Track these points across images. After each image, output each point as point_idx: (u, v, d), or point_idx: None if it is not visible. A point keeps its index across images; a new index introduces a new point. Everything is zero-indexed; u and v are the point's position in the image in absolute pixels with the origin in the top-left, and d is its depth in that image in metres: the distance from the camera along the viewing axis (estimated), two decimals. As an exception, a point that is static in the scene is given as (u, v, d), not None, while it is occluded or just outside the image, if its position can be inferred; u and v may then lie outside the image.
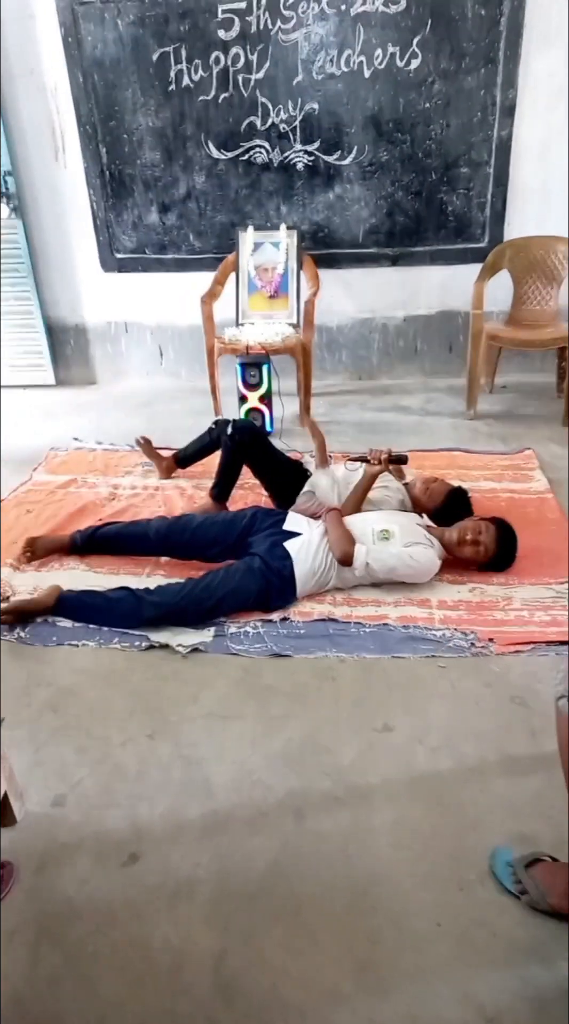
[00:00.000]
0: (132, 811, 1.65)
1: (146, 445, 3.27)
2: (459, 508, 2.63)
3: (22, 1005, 1.28)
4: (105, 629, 2.25)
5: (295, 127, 3.87)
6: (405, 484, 2.80)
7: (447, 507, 2.64)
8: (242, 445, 2.76)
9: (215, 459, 2.99)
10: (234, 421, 2.87)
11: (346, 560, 2.31)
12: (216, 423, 3.05)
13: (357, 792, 1.67)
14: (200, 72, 3.79)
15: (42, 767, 1.78)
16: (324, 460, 2.84)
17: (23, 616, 2.27)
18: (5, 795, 1.57)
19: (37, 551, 2.61)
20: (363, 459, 2.65)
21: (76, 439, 3.74)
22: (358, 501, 2.58)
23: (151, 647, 2.18)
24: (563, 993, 1.26)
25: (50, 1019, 1.26)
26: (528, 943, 1.34)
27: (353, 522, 2.45)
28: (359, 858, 1.52)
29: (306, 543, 2.37)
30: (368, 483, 2.58)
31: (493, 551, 2.41)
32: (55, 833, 1.60)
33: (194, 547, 2.51)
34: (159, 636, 2.20)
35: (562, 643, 2.13)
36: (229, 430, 2.78)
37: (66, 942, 1.38)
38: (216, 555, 2.46)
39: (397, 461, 2.65)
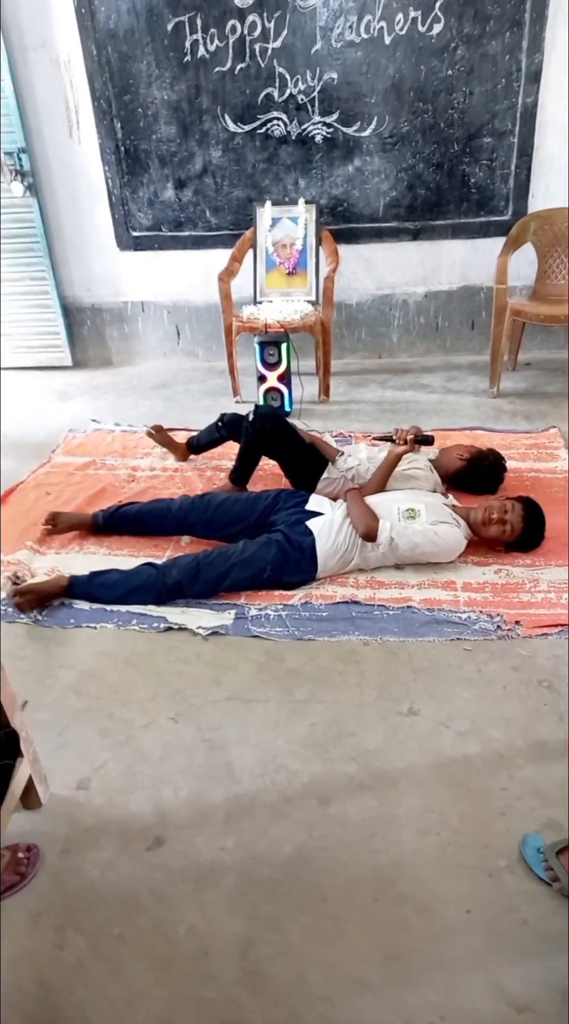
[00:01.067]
0: (156, 794, 1.64)
1: (159, 434, 3.18)
2: (493, 471, 2.69)
3: (48, 988, 1.28)
4: (123, 610, 2.23)
5: (313, 98, 3.77)
6: (430, 460, 2.75)
7: (479, 469, 2.69)
8: (263, 433, 2.69)
9: (232, 443, 2.96)
10: (257, 407, 2.79)
11: (370, 535, 2.28)
12: (224, 417, 2.97)
13: (383, 778, 1.65)
14: (216, 42, 3.69)
15: (66, 750, 1.77)
16: (332, 452, 2.77)
17: (39, 599, 2.26)
18: (30, 778, 1.57)
19: (59, 525, 2.60)
20: (388, 438, 2.61)
21: (94, 420, 3.71)
22: (382, 481, 2.54)
23: (169, 629, 2.16)
24: (596, 984, 1.23)
25: (76, 1003, 1.25)
26: (559, 932, 1.32)
27: (379, 501, 2.41)
28: (386, 845, 1.50)
29: (328, 522, 2.35)
30: (393, 463, 2.54)
31: (520, 530, 2.36)
32: (79, 816, 1.60)
33: (216, 525, 2.49)
34: (178, 618, 2.19)
35: (591, 626, 2.08)
36: (251, 417, 2.69)
37: (91, 926, 1.37)
38: (238, 533, 2.43)
39: (423, 442, 2.60)
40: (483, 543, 2.44)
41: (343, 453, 2.75)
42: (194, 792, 1.64)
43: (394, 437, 2.57)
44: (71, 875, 1.48)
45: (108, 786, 1.67)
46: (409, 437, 2.54)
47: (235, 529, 2.46)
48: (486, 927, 1.33)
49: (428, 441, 2.62)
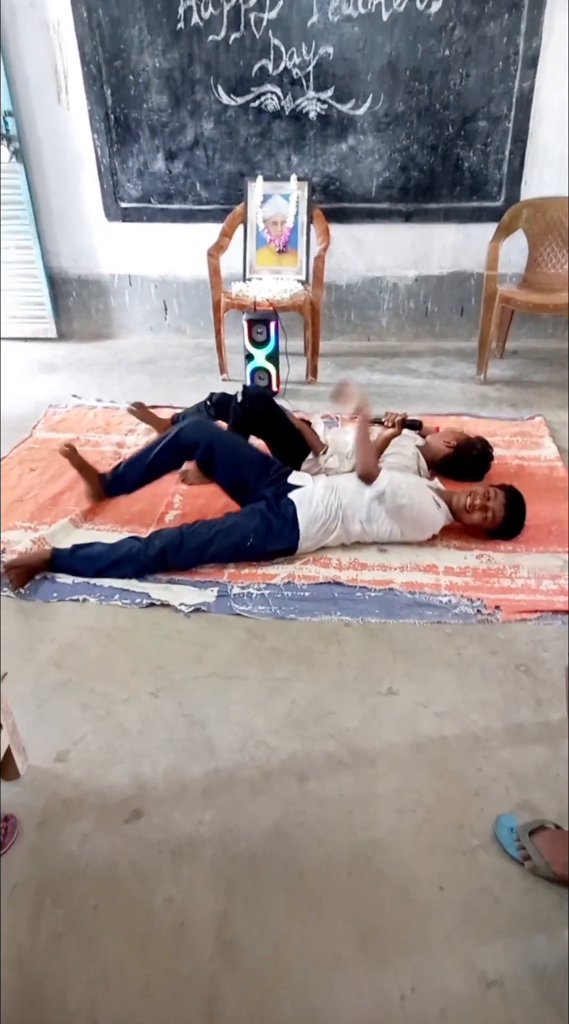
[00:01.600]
0: (135, 768, 1.64)
1: (140, 410, 3.14)
2: (480, 459, 2.72)
3: (24, 961, 1.28)
4: (106, 585, 2.22)
5: (308, 72, 3.71)
6: (418, 447, 2.76)
7: (466, 457, 2.72)
8: (252, 414, 2.67)
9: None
10: (245, 388, 2.78)
11: (369, 475, 2.31)
12: (212, 397, 2.93)
13: (361, 756, 1.66)
14: (210, 9, 3.62)
15: (45, 722, 1.76)
16: (317, 446, 2.74)
17: (25, 574, 2.24)
18: (8, 749, 1.56)
19: (73, 459, 2.59)
20: (378, 421, 2.61)
21: (75, 396, 3.66)
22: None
23: (152, 605, 2.15)
24: (564, 961, 1.26)
25: (52, 976, 1.25)
26: (531, 911, 1.34)
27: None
28: (362, 823, 1.51)
29: (309, 492, 2.38)
30: (382, 446, 2.54)
31: (501, 517, 2.38)
32: (57, 788, 1.60)
33: (235, 467, 2.49)
34: (160, 594, 2.18)
35: (570, 612, 2.11)
36: (239, 398, 2.68)
37: (68, 898, 1.38)
38: (245, 483, 2.45)
39: (411, 427, 2.61)
40: (465, 529, 2.45)
41: (327, 448, 2.72)
42: (173, 766, 1.64)
43: (384, 420, 2.57)
44: (49, 847, 1.47)
45: (87, 759, 1.67)
46: (398, 420, 2.54)
47: (247, 476, 2.46)
48: (459, 905, 1.35)
49: (416, 425, 2.63)
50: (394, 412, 2.61)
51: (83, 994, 1.22)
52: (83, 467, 2.62)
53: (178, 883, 1.40)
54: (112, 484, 2.59)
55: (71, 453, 2.60)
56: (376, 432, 2.62)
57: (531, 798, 1.56)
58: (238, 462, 2.47)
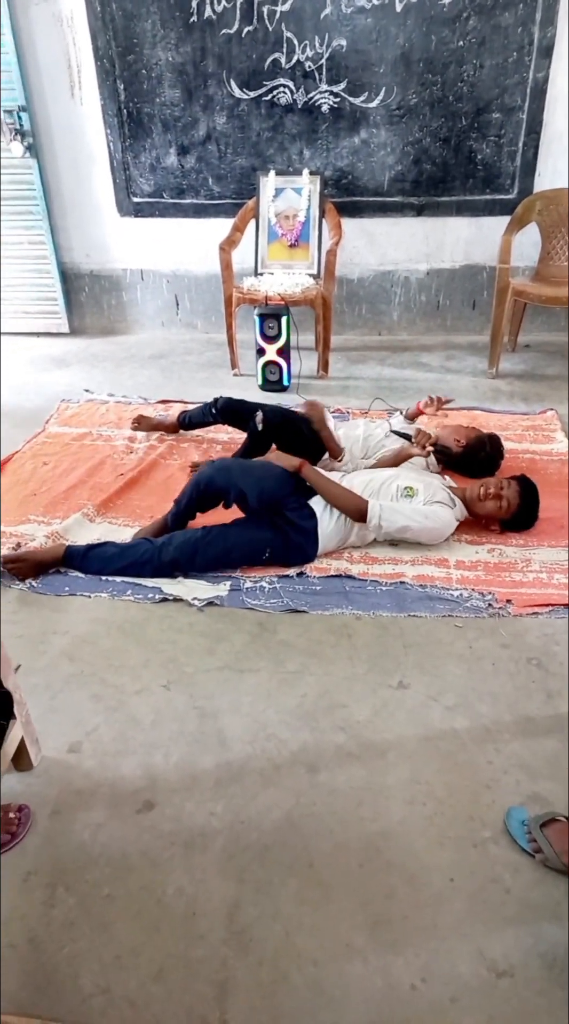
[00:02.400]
0: (147, 759, 1.65)
1: (143, 423, 3.14)
2: (491, 456, 2.70)
3: (38, 946, 1.30)
4: (118, 580, 2.23)
5: (321, 65, 3.70)
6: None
7: (477, 453, 2.68)
8: (272, 436, 2.60)
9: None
10: (263, 409, 2.67)
11: (361, 516, 2.27)
12: (216, 402, 2.89)
13: (371, 748, 1.67)
14: (223, 3, 3.61)
15: (58, 714, 1.78)
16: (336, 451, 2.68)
17: (34, 567, 2.26)
18: (22, 740, 1.58)
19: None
20: (407, 437, 2.57)
21: (87, 391, 3.68)
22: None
23: (165, 599, 2.17)
24: (575, 951, 1.26)
25: (66, 960, 1.27)
26: (541, 901, 1.35)
27: (379, 475, 2.42)
28: (373, 814, 1.52)
29: (330, 506, 2.33)
30: (402, 460, 2.53)
31: (515, 507, 2.37)
32: (70, 779, 1.61)
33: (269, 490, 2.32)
34: (173, 589, 2.19)
35: (581, 607, 2.10)
36: (259, 420, 2.60)
37: (81, 886, 1.39)
38: (288, 493, 2.30)
39: (441, 453, 2.59)
40: (478, 521, 2.44)
41: (343, 452, 2.67)
42: (185, 758, 1.66)
43: (414, 439, 2.53)
44: (61, 836, 1.49)
45: (99, 750, 1.68)
46: (429, 447, 2.50)
47: (286, 491, 2.31)
48: (470, 895, 1.36)
49: (447, 453, 2.60)
50: (425, 432, 2.53)
51: (97, 977, 1.24)
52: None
53: (190, 872, 1.41)
54: (174, 527, 2.39)
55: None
56: (382, 426, 2.61)
57: (542, 790, 1.56)
58: (270, 492, 2.28)
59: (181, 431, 3.13)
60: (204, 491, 2.30)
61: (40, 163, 4.04)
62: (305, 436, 2.65)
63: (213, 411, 2.92)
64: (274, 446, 2.53)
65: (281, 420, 2.67)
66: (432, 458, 2.67)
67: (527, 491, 2.39)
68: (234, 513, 2.36)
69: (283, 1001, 1.21)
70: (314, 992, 1.22)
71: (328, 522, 2.30)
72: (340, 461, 2.67)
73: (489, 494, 2.36)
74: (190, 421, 3.06)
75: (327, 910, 1.34)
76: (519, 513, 2.38)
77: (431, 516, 2.30)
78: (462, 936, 1.29)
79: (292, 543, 2.27)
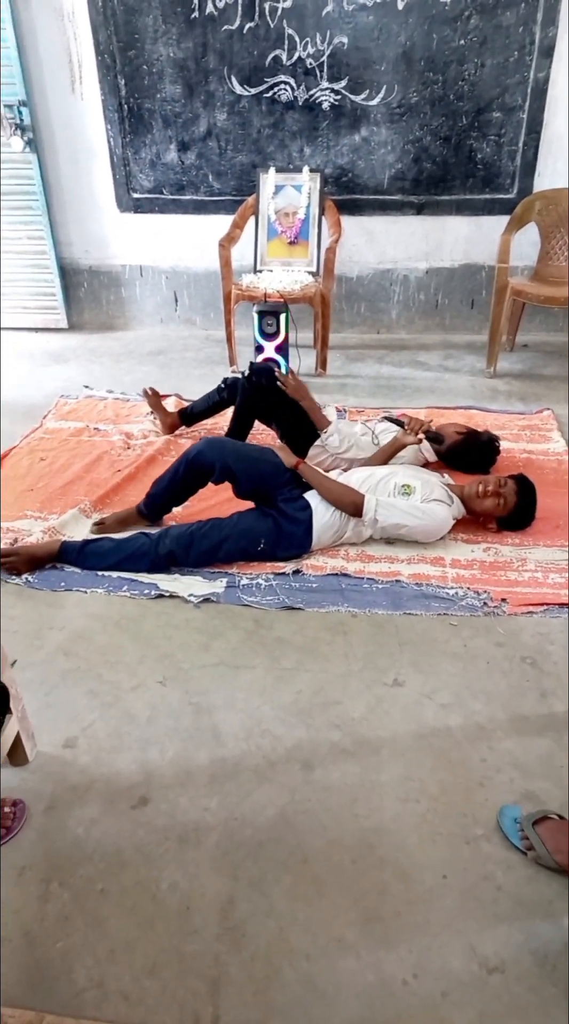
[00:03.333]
0: (142, 755, 1.66)
1: (153, 396, 3.15)
2: (486, 451, 2.72)
3: (32, 940, 1.30)
4: (114, 576, 2.24)
5: (322, 63, 3.70)
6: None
7: (473, 449, 2.71)
8: (259, 388, 2.69)
9: (224, 417, 2.94)
10: (252, 364, 2.81)
11: (357, 511, 2.28)
12: (225, 381, 2.94)
13: (366, 745, 1.68)
14: (224, -1, 3.61)
15: (53, 709, 1.79)
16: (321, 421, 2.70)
17: (29, 562, 2.26)
18: (17, 735, 1.58)
19: (107, 523, 2.46)
20: (399, 423, 2.58)
21: (87, 387, 3.68)
22: (379, 464, 2.54)
23: (161, 596, 2.17)
24: (565, 948, 1.27)
25: (59, 955, 1.28)
26: (533, 899, 1.35)
27: (378, 472, 2.43)
28: (367, 811, 1.53)
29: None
30: (397, 450, 2.54)
31: (513, 505, 2.38)
32: (66, 774, 1.62)
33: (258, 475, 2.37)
34: (169, 585, 2.19)
35: (577, 606, 2.11)
36: (247, 372, 2.71)
37: (76, 881, 1.40)
38: (282, 483, 2.34)
39: (433, 440, 2.60)
40: (475, 519, 2.45)
41: (330, 424, 2.70)
42: (180, 754, 1.66)
43: (406, 426, 2.54)
44: (56, 831, 1.50)
45: (95, 745, 1.69)
46: (422, 433, 2.52)
47: (280, 480, 2.35)
48: (462, 892, 1.37)
49: (438, 440, 2.61)
50: (417, 419, 2.55)
51: (91, 972, 1.25)
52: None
53: (184, 868, 1.42)
54: (149, 512, 2.45)
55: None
56: (388, 432, 2.62)
57: (535, 789, 1.57)
58: (261, 475, 2.34)
59: (184, 425, 3.13)
60: (192, 463, 2.33)
61: (40, 158, 4.03)
62: (293, 404, 2.69)
63: (221, 387, 2.92)
64: (279, 437, 2.55)
65: (272, 378, 2.71)
66: (426, 445, 2.67)
67: (525, 489, 2.40)
68: (231, 509, 2.37)
69: (276, 996, 1.21)
70: (306, 987, 1.22)
71: (323, 514, 2.31)
72: (323, 433, 2.67)
73: (487, 491, 2.36)
74: (193, 411, 3.06)
75: (320, 906, 1.35)
76: (516, 511, 2.39)
77: (428, 513, 2.31)
78: (454, 932, 1.30)
79: (286, 533, 2.28)
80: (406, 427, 2.54)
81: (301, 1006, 1.20)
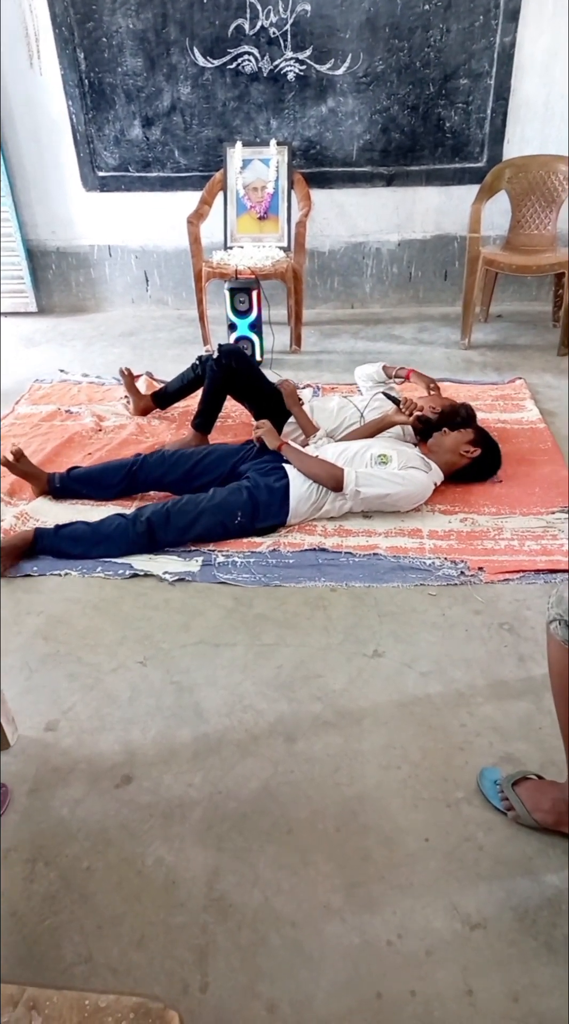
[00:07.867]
0: (124, 735, 1.66)
1: (128, 377, 3.11)
2: (464, 420, 2.69)
3: (20, 919, 1.31)
4: (88, 559, 2.22)
5: (285, 31, 3.63)
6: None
7: (451, 419, 2.67)
8: (229, 371, 2.67)
9: (196, 399, 2.91)
10: (221, 345, 2.79)
11: (338, 486, 2.29)
12: (200, 359, 2.90)
13: (347, 716, 1.69)
14: (183, -33, 3.52)
15: (34, 693, 1.78)
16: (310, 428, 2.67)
17: (10, 556, 2.21)
18: (-3, 720, 1.58)
19: (18, 465, 2.46)
20: (395, 400, 2.57)
21: (62, 371, 3.63)
22: (367, 437, 2.55)
23: (136, 576, 2.16)
24: (545, 903, 1.30)
25: (48, 932, 1.29)
26: (513, 857, 1.38)
27: (350, 446, 2.42)
28: (349, 779, 1.54)
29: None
30: (384, 427, 2.54)
31: (476, 454, 2.50)
32: (48, 756, 1.62)
33: (189, 477, 2.44)
34: (144, 565, 2.19)
35: (552, 571, 2.13)
36: (215, 354, 2.68)
37: (62, 860, 1.40)
38: (209, 484, 2.41)
39: (424, 423, 2.59)
40: (449, 488, 2.47)
41: (318, 430, 2.66)
42: (162, 732, 1.67)
43: (400, 405, 2.53)
44: (40, 812, 1.50)
45: (77, 727, 1.69)
46: (416, 414, 2.51)
47: (207, 480, 2.43)
48: (444, 854, 1.39)
49: (428, 423, 2.61)
50: (412, 401, 2.54)
51: (79, 947, 1.26)
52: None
53: (169, 843, 1.43)
54: (60, 489, 2.50)
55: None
56: (378, 410, 2.62)
57: (514, 751, 1.59)
58: (200, 476, 2.44)
59: (157, 407, 3.10)
60: (138, 478, 2.47)
61: (1, 137, 3.94)
62: (264, 384, 2.73)
63: (196, 365, 2.89)
64: (268, 422, 2.54)
65: (240, 360, 2.71)
66: (410, 429, 2.68)
67: (483, 436, 2.53)
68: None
69: (263, 962, 1.23)
70: (293, 952, 1.24)
71: (300, 485, 2.32)
72: (314, 438, 2.66)
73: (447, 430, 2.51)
74: (167, 392, 3.03)
75: (305, 874, 1.36)
76: (481, 459, 2.50)
77: (408, 479, 2.33)
78: (437, 893, 1.32)
79: (263, 504, 2.29)
80: (401, 406, 2.53)
81: (288, 970, 1.22)
